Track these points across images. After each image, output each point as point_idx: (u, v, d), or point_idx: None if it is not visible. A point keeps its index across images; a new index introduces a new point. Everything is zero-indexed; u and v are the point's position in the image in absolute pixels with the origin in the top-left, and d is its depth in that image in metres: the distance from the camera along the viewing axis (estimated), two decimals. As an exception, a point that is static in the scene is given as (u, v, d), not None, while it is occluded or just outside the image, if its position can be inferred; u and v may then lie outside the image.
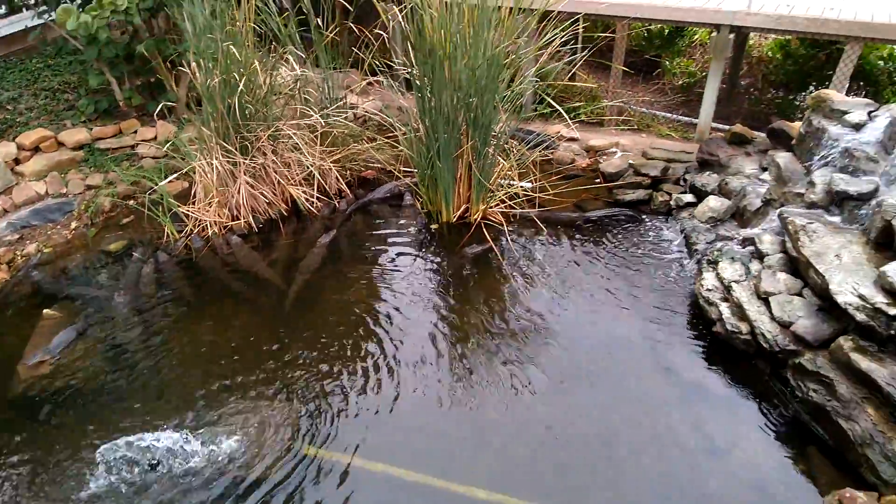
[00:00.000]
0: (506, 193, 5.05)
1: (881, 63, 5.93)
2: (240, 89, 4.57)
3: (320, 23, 5.32)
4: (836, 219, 3.54)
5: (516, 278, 4.33)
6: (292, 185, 5.14)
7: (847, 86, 4.97)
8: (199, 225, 4.97)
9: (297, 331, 3.91)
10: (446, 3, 4.26)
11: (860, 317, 2.87)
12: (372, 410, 3.28)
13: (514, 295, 4.17)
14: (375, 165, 5.74)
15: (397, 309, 4.07)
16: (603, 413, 3.24)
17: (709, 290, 3.72)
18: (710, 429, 3.09)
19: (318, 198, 5.23)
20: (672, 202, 4.95)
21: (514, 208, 5.01)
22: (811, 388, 3.01)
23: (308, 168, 5.10)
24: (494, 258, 4.55)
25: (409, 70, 4.68)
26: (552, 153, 5.78)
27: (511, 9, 4.35)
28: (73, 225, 5.20)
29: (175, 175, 5.13)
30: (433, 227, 5.00)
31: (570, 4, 4.90)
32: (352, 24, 5.37)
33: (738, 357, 3.46)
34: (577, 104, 6.20)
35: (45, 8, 6.02)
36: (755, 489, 2.78)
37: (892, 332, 2.78)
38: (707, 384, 3.38)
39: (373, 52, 5.16)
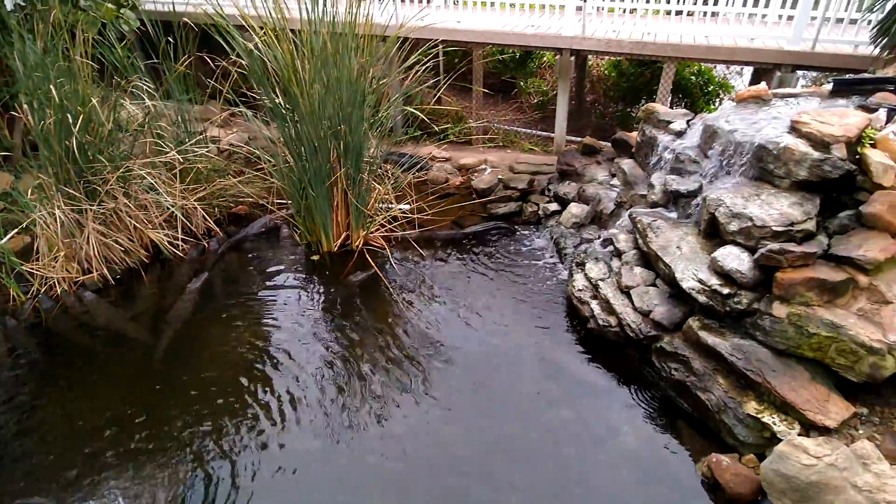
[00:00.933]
0: (385, 217, 5.05)
1: (693, 78, 6.88)
2: (77, 128, 4.09)
3: (170, 53, 4.96)
4: (674, 215, 4.01)
5: (404, 300, 4.32)
6: (151, 228, 4.69)
7: (669, 98, 5.69)
8: (45, 283, 4.34)
9: (173, 388, 3.54)
10: (301, 32, 4.19)
11: (702, 299, 3.25)
12: (267, 466, 3.04)
13: (404, 317, 4.15)
14: (246, 200, 5.44)
15: (284, 349, 3.85)
16: (500, 422, 3.30)
17: (580, 290, 4.00)
18: (595, 419, 3.30)
19: (183, 240, 4.82)
20: (540, 212, 5.28)
21: (395, 231, 5.01)
22: (672, 367, 3.35)
23: (169, 209, 4.68)
24: (381, 283, 4.50)
25: (270, 100, 4.51)
26: (426, 174, 5.91)
27: (370, 36, 4.39)
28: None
29: (16, 230, 4.43)
30: (314, 258, 4.84)
31: (425, 31, 5.08)
32: (205, 55, 5.07)
33: (611, 348, 3.75)
34: (446, 126, 6.42)
35: None
36: (638, 468, 3.00)
37: (728, 308, 3.18)
38: (588, 378, 3.61)
39: (231, 82, 4.90)
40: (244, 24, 4.30)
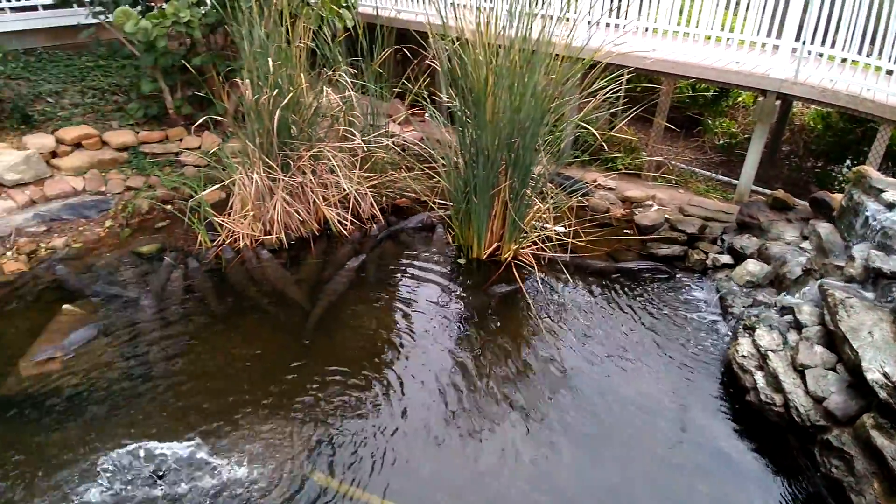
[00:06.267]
0: (539, 236, 5.27)
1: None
2: (284, 106, 4.87)
3: (372, 51, 5.71)
4: (871, 295, 3.71)
5: (542, 323, 4.48)
6: (327, 206, 5.43)
7: (879, 163, 5.20)
8: (231, 236, 5.25)
9: (317, 353, 4.10)
10: (493, 44, 4.58)
11: (883, 395, 3.00)
12: (382, 446, 3.40)
13: (538, 339, 4.32)
14: (410, 195, 6.03)
15: (417, 341, 4.26)
16: (622, 479, 3.29)
17: (744, 356, 3.85)
18: (730, 499, 3.18)
19: (351, 221, 5.50)
20: (708, 261, 5.12)
21: (546, 251, 5.21)
22: (834, 464, 3.12)
23: (345, 191, 5.39)
24: (522, 300, 4.73)
25: (453, 105, 4.99)
26: (588, 200, 6.03)
27: (560, 56, 4.66)
28: (108, 223, 5.51)
29: (216, 186, 5.45)
30: (461, 261, 5.22)
31: (616, 57, 5.23)
32: (400, 57, 5.77)
33: (768, 428, 3.54)
34: (616, 154, 6.49)
35: (101, 8, 6.43)
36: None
37: (919, 414, 2.91)
38: (733, 454, 3.47)
39: (420, 84, 5.50)
40: (443, 32, 4.83)
